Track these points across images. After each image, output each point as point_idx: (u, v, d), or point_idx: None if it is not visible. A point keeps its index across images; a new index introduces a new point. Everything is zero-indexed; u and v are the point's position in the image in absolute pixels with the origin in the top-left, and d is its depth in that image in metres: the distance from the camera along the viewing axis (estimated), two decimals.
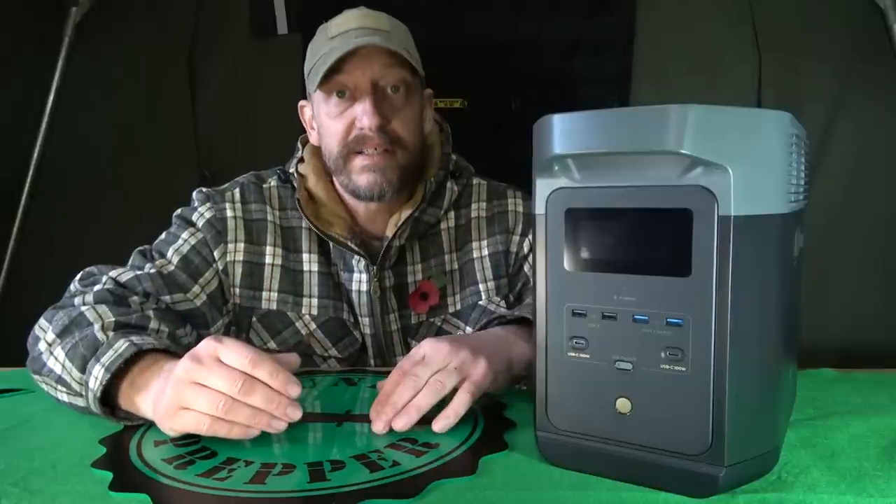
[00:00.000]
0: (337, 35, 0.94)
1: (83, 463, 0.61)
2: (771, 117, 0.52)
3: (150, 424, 0.71)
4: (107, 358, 0.71)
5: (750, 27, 1.64)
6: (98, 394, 0.69)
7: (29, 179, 1.72)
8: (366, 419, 0.73)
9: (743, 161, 0.49)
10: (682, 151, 0.49)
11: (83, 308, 0.81)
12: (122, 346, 0.72)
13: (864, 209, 1.64)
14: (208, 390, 0.62)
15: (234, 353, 0.63)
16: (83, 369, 0.73)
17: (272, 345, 1.01)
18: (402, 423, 0.65)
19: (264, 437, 0.68)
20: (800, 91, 1.63)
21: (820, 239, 1.56)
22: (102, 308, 0.81)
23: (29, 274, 1.71)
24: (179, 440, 0.66)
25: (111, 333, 0.76)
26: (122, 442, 0.66)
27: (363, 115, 0.92)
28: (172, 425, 0.64)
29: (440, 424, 0.66)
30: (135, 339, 0.73)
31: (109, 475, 0.58)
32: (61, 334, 0.79)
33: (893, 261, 1.63)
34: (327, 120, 0.96)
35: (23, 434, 0.70)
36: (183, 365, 0.63)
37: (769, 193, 0.52)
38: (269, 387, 0.62)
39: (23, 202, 1.72)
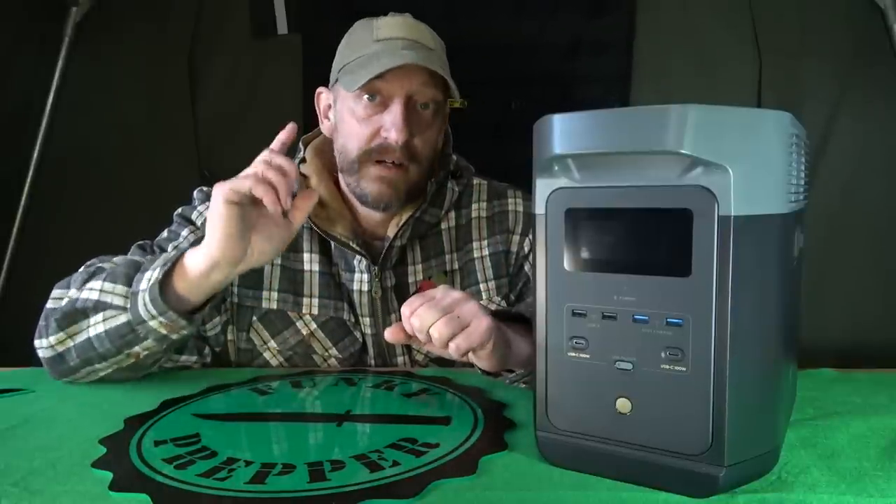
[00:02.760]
0: (383, 39, 0.93)
1: (83, 463, 0.61)
2: (771, 117, 0.52)
3: (150, 425, 0.71)
4: (158, 263, 0.79)
5: (750, 27, 1.64)
6: (159, 277, 0.77)
7: (29, 179, 1.72)
8: (366, 419, 0.73)
9: (743, 161, 0.50)
10: (682, 151, 0.49)
11: (91, 267, 0.84)
12: (167, 255, 0.80)
13: (864, 209, 1.64)
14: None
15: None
16: (129, 283, 0.79)
17: (273, 344, 1.01)
18: (398, 336, 0.71)
19: (264, 437, 0.68)
20: (800, 91, 1.63)
21: (820, 239, 1.56)
22: (109, 262, 0.87)
23: (29, 274, 1.71)
24: (180, 440, 0.66)
25: (148, 258, 0.83)
26: (122, 442, 0.66)
27: (392, 126, 0.91)
28: (224, 190, 0.74)
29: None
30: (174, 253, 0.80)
31: (109, 475, 0.58)
32: (87, 281, 0.83)
33: (893, 261, 1.63)
34: (351, 119, 0.95)
35: (23, 434, 0.70)
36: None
37: (769, 193, 0.52)
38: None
39: (23, 202, 1.72)
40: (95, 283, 0.82)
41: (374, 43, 0.94)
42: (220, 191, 0.75)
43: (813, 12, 1.61)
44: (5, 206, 1.70)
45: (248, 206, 0.76)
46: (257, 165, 0.76)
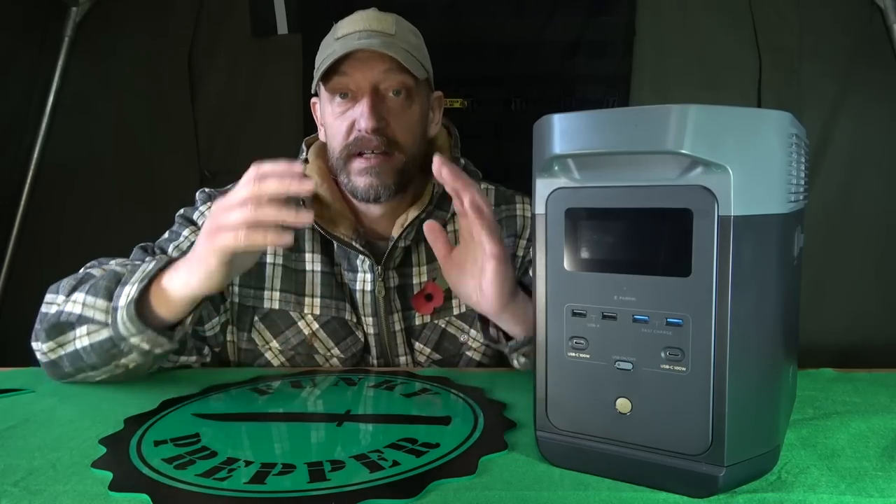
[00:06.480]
0: (342, 36, 0.95)
1: (83, 463, 0.61)
2: (771, 117, 0.52)
3: (150, 425, 0.71)
4: (136, 278, 0.77)
5: (750, 28, 1.64)
6: (135, 296, 0.74)
7: (29, 179, 1.72)
8: (366, 419, 0.73)
9: (743, 161, 0.49)
10: (682, 151, 0.49)
11: (88, 270, 0.83)
12: (148, 265, 0.78)
13: (863, 210, 1.64)
14: (235, 206, 0.70)
15: (243, 177, 0.71)
16: (110, 297, 0.77)
17: (275, 344, 1.01)
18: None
19: (264, 437, 0.69)
20: (800, 91, 1.63)
21: (820, 239, 1.56)
22: (107, 265, 0.84)
23: (29, 274, 1.71)
24: (179, 440, 0.66)
25: (129, 265, 0.81)
26: (122, 442, 0.66)
27: (361, 117, 0.93)
28: (215, 244, 0.71)
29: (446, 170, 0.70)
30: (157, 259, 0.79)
31: (109, 475, 0.58)
32: (73, 290, 0.82)
33: (893, 261, 1.63)
34: (331, 119, 0.97)
35: (23, 434, 0.70)
36: (211, 210, 0.73)
37: (769, 193, 0.52)
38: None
39: (23, 202, 1.72)
40: (79, 296, 0.80)
41: (334, 42, 0.96)
42: (211, 245, 0.72)
43: (813, 12, 1.61)
44: (5, 205, 1.70)
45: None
46: (245, 201, 0.69)
